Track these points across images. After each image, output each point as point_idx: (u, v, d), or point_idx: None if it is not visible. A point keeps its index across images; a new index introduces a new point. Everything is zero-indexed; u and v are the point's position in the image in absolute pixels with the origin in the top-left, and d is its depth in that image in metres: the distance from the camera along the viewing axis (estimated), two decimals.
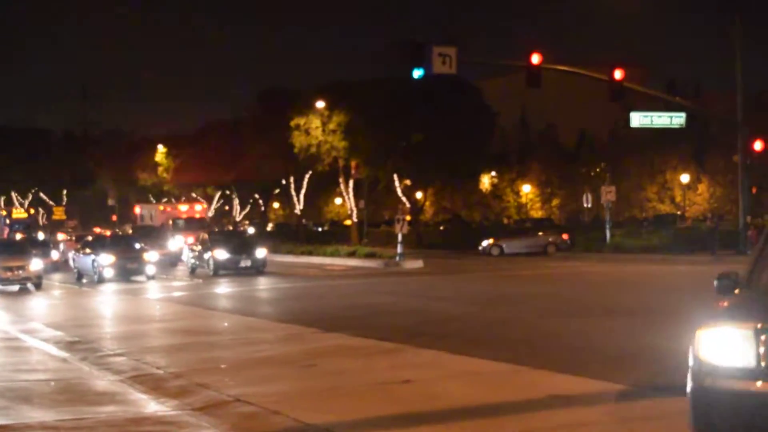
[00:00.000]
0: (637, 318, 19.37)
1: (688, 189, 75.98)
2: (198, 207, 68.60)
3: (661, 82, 79.99)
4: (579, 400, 10.78)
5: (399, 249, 46.10)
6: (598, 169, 78.77)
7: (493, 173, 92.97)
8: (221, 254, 42.12)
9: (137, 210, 71.12)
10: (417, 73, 38.77)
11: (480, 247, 56.71)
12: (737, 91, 48.31)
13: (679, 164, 75.74)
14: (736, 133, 48.94)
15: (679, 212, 75.28)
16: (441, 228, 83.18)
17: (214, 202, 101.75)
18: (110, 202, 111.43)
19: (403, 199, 73.98)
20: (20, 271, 33.73)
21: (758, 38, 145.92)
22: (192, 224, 59.43)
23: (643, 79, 71.91)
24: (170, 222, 60.60)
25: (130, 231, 70.01)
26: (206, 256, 42.78)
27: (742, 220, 47.50)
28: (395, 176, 72.89)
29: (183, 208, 66.62)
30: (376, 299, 26.90)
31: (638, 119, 48.41)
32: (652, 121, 48.66)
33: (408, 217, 52.14)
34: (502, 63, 52.14)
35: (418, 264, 45.34)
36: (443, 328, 18.71)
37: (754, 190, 56.39)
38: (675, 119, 48.59)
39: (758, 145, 47.85)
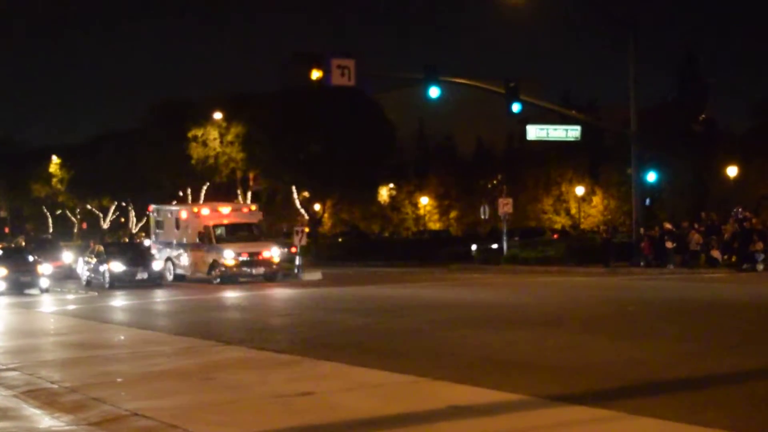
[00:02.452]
0: (537, 328, 19.57)
1: (582, 201, 77.11)
2: (245, 210, 48.68)
3: (558, 96, 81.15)
4: (480, 411, 10.80)
5: (297, 261, 45.98)
6: (495, 182, 79.51)
7: (392, 185, 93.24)
8: (117, 266, 41.66)
9: (152, 214, 50.57)
10: (315, 75, 39.08)
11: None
12: (630, 105, 49.26)
13: (575, 176, 76.81)
14: (629, 146, 49.88)
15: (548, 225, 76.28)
16: (339, 240, 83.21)
17: (110, 214, 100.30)
18: (2, 213, 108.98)
19: (302, 210, 73.84)
20: None
21: (652, 52, 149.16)
22: (240, 232, 44.29)
23: (540, 93, 72.93)
24: (209, 229, 43.40)
25: (23, 243, 68.48)
26: (102, 268, 42.22)
27: (636, 232, 48.36)
28: (293, 188, 72.71)
29: (224, 210, 46.27)
30: (273, 311, 26.73)
31: (534, 132, 49.08)
32: (548, 134, 49.40)
33: (306, 229, 51.94)
34: (400, 75, 52.53)
35: (316, 276, 45.26)
36: (343, 339, 18.64)
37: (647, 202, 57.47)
38: (570, 132, 49.42)
39: (651, 177, 48.91)
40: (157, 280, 41.86)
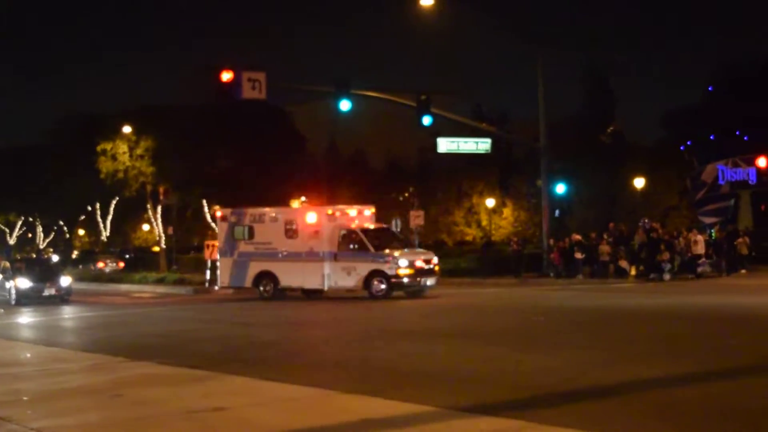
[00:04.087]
0: (449, 340, 19.63)
1: (493, 213, 77.69)
2: (368, 212, 40.85)
3: (470, 109, 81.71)
4: (392, 423, 10.79)
5: (208, 275, 45.58)
6: (406, 194, 79.79)
7: (303, 198, 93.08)
8: (24, 283, 40.79)
9: (227, 221, 39.97)
10: (225, 75, 38.77)
11: None
12: (540, 118, 49.85)
13: (486, 189, 77.35)
14: (539, 159, 50.46)
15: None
16: None
17: (16, 229, 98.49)
18: None
19: (213, 225, 73.25)
20: None
21: (562, 68, 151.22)
22: (385, 236, 38.22)
23: (453, 106, 73.34)
24: (359, 234, 36.62)
25: None
26: (8, 285, 41.28)
27: (546, 243, 48.90)
28: (204, 202, 72.17)
29: (352, 212, 39.42)
30: (185, 326, 26.45)
31: (445, 145, 49.40)
32: (458, 146, 49.76)
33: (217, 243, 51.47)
34: (312, 88, 52.24)
35: (228, 290, 44.91)
36: (255, 354, 18.50)
37: (556, 214, 58.16)
38: (481, 145, 49.83)
39: (560, 189, 49.57)
40: (65, 296, 41.05)
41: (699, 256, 45.96)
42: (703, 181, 63.56)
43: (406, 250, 37.49)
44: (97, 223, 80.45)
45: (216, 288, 39.36)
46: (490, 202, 76.31)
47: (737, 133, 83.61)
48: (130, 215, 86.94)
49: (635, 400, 12.11)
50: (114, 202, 75.22)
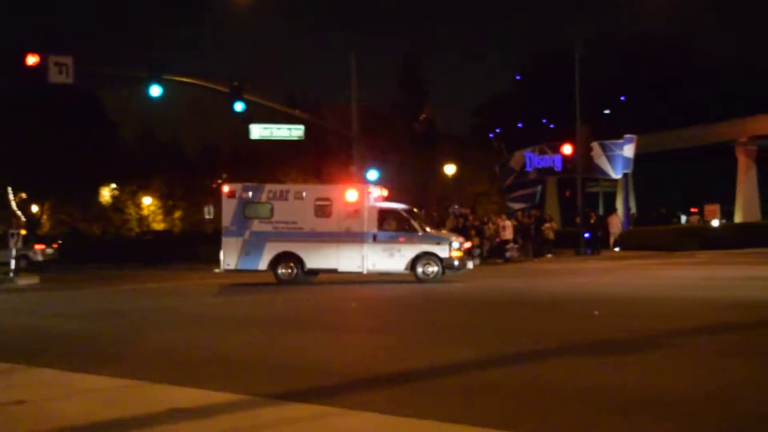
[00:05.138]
0: (263, 328, 19.57)
1: None
2: (384, 192, 38.32)
3: (285, 96, 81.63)
4: (201, 412, 10.68)
5: (12, 264, 44.16)
6: (219, 181, 79.17)
7: (114, 186, 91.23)
8: None
9: (237, 198, 35.87)
10: (31, 59, 37.60)
11: None
12: (352, 105, 50.23)
13: (299, 175, 77.47)
14: (351, 146, 50.87)
15: None
16: (58, 242, 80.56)
17: None
18: None
19: (18, 212, 71.03)
20: None
21: (377, 55, 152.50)
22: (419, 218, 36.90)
23: (268, 93, 73.10)
24: (402, 215, 35.08)
25: None
26: None
27: None
28: (9, 189, 69.90)
29: (375, 192, 36.58)
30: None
31: (258, 131, 49.26)
32: (272, 133, 49.67)
33: (23, 232, 49.95)
34: (123, 74, 51.19)
35: (33, 280, 43.66)
36: (63, 345, 17.99)
37: None
38: (294, 131, 49.89)
39: (373, 175, 50.05)
40: None
41: (507, 241, 47.23)
42: (511, 167, 65.36)
43: (442, 231, 36.91)
44: None
45: (218, 270, 36.31)
46: None
47: (544, 120, 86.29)
48: None
49: (447, 383, 12.33)
50: None
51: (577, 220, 54.48)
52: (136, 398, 11.85)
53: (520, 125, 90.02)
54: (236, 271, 35.49)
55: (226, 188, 36.50)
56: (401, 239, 34.29)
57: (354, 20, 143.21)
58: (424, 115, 74.59)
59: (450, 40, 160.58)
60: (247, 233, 35.18)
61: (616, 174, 62.00)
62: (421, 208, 52.62)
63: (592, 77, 65.82)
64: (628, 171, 63.05)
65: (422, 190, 68.74)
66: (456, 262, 34.04)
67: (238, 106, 43.99)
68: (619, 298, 24.57)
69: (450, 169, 67.13)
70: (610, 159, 60.61)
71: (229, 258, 35.40)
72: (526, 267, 42.63)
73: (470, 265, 35.65)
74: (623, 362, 13.44)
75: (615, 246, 57.20)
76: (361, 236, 34.38)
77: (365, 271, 34.49)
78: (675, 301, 22.86)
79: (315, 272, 35.36)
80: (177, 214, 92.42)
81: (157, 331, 19.89)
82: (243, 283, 35.79)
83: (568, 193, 72.12)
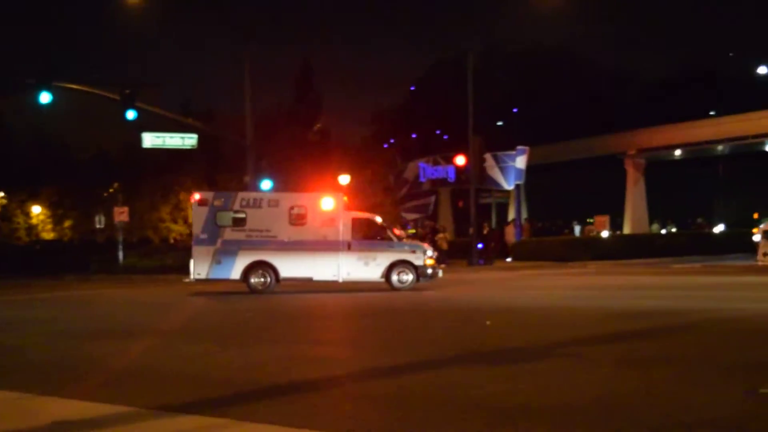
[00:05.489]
0: (160, 338, 19.27)
1: None
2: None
3: (179, 104, 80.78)
4: (86, 425, 10.46)
5: None
6: (111, 190, 78.05)
7: (2, 194, 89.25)
8: None
9: (210, 206, 34.82)
10: None
11: None
12: (246, 114, 49.98)
13: (193, 185, 76.70)
14: (245, 156, 50.57)
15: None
16: None
17: None
18: None
19: None
20: None
21: (273, 62, 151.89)
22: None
23: (161, 101, 72.30)
24: (377, 224, 35.09)
25: None
26: None
27: None
28: None
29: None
30: None
31: (150, 140, 48.69)
32: (164, 141, 49.13)
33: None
34: (12, 79, 50.19)
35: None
36: None
37: None
38: (187, 140, 49.43)
39: (266, 185, 49.77)
40: None
41: None
42: (405, 178, 65.71)
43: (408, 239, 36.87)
44: None
45: (188, 280, 35.08)
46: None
47: (437, 131, 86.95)
48: None
49: (340, 393, 12.31)
50: None
51: (471, 230, 54.96)
52: (19, 411, 11.55)
53: (414, 136, 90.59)
54: (207, 280, 34.47)
55: (197, 196, 35.41)
56: (376, 248, 34.14)
57: (249, 27, 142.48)
58: (318, 125, 74.54)
59: (348, 49, 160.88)
60: (218, 242, 34.24)
61: (508, 185, 62.75)
62: None
63: (485, 89, 66.55)
64: (521, 182, 63.86)
65: None
66: (429, 270, 34.08)
67: (130, 114, 43.40)
68: (511, 308, 24.83)
69: (344, 179, 67.20)
70: (503, 170, 61.32)
71: (199, 267, 34.33)
72: None
73: (440, 273, 35.47)
74: (516, 371, 13.57)
75: (507, 257, 57.83)
76: (336, 245, 34.02)
77: (341, 280, 34.02)
78: (566, 311, 23.20)
79: (293, 281, 34.57)
80: (67, 223, 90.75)
81: (46, 341, 19.45)
82: (201, 292, 35.24)
83: (461, 204, 72.78)
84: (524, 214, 73.77)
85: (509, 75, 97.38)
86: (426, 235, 52.50)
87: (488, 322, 20.56)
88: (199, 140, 50.43)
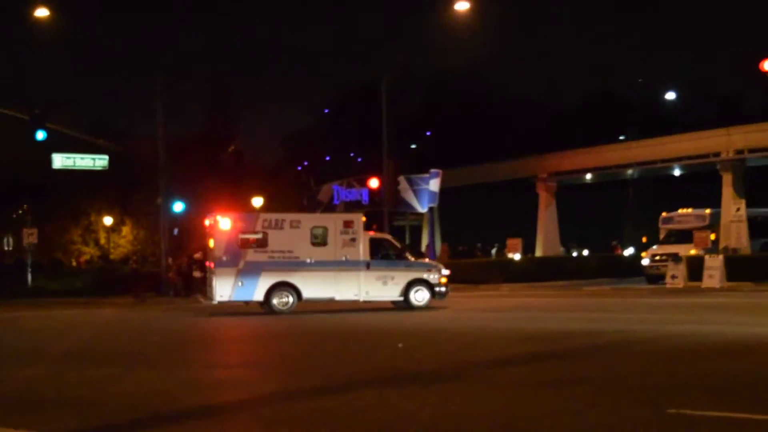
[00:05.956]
0: (58, 363, 18.93)
1: (112, 231, 76.29)
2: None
3: (90, 125, 79.76)
4: None
5: None
6: (20, 212, 76.69)
7: None
8: None
9: (220, 224, 34.38)
10: None
11: None
12: (159, 136, 49.56)
13: (105, 207, 75.83)
14: (158, 177, 50.10)
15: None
16: None
17: None
18: None
19: None
20: None
21: (186, 84, 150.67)
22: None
23: (73, 122, 71.37)
24: (392, 243, 36.60)
25: None
26: None
27: (164, 262, 48.55)
28: None
29: None
30: None
31: (61, 161, 48.07)
32: (75, 162, 48.53)
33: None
34: None
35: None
36: None
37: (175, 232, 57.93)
38: (98, 161, 48.89)
39: (179, 207, 49.41)
40: None
41: None
42: (319, 200, 65.62)
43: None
44: None
45: (213, 302, 34.50)
46: (108, 220, 74.91)
47: (351, 154, 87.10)
48: None
49: (250, 416, 12.24)
50: None
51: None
52: None
53: (328, 158, 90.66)
54: (230, 301, 34.24)
55: (219, 218, 34.70)
56: (393, 267, 34.54)
57: (160, 50, 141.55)
58: (232, 147, 74.27)
59: (263, 72, 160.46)
60: (241, 263, 33.75)
61: (422, 208, 63.03)
62: None
63: (399, 112, 66.80)
64: (434, 205, 64.18)
65: None
66: (443, 289, 34.62)
67: (40, 135, 42.77)
68: (423, 330, 24.90)
69: (257, 201, 66.92)
70: (417, 193, 61.61)
71: (222, 289, 33.81)
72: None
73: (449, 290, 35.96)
74: (425, 392, 13.59)
75: None
76: (356, 265, 34.12)
77: (361, 299, 34.25)
78: (477, 333, 23.34)
79: (316, 302, 34.42)
80: None
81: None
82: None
83: (375, 227, 72.76)
84: (438, 237, 74.08)
85: (423, 98, 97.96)
86: None
87: (400, 345, 20.59)
88: (112, 162, 49.87)
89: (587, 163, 69.38)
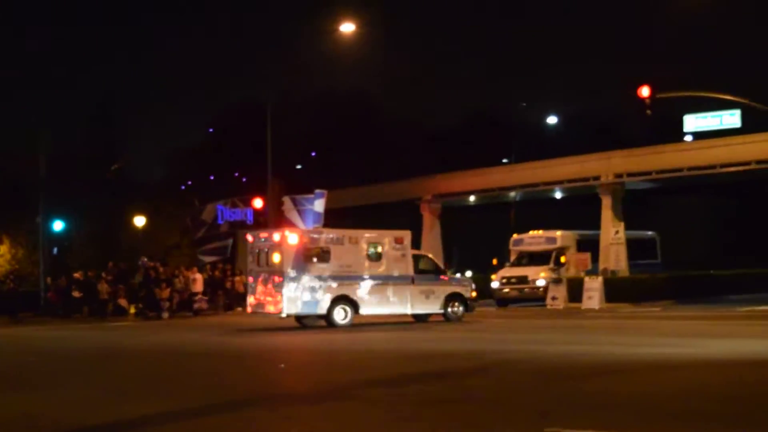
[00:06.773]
0: None
1: None
2: None
3: None
4: None
5: None
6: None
7: None
8: None
9: (288, 239, 36.16)
10: None
11: None
12: (39, 152, 48.68)
13: None
14: (39, 195, 49.19)
15: None
16: None
17: None
18: None
19: None
20: None
21: (67, 100, 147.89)
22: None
23: None
24: (432, 260, 38.92)
25: None
26: None
27: (43, 282, 47.61)
28: None
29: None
30: None
31: None
32: None
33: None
34: None
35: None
36: None
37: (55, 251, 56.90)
38: None
39: (59, 226, 48.52)
40: None
41: (196, 294, 46.92)
42: (203, 220, 64.96)
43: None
44: None
45: (282, 316, 34.31)
46: None
47: (236, 174, 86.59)
48: None
49: None
50: None
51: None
52: None
53: (212, 177, 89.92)
54: (296, 315, 34.79)
55: (288, 233, 35.96)
56: (434, 282, 36.26)
57: (45, 63, 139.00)
58: (115, 165, 73.18)
59: (148, 90, 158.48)
60: (305, 278, 34.39)
61: (306, 228, 62.80)
62: (110, 259, 51.40)
63: (284, 132, 66.65)
64: (319, 225, 64.03)
65: (113, 242, 67.16)
66: (473, 303, 37.18)
67: None
68: (310, 350, 24.86)
69: (140, 221, 66.03)
70: (301, 213, 61.13)
71: (290, 303, 34.11)
72: (214, 320, 42.27)
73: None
74: (311, 414, 13.55)
75: None
76: (405, 279, 35.57)
77: (409, 312, 35.89)
78: (363, 354, 23.34)
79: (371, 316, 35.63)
80: None
81: None
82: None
83: None
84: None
85: (308, 119, 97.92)
86: (222, 278, 51.99)
87: (282, 365, 20.49)
88: None
89: (471, 185, 70.11)
